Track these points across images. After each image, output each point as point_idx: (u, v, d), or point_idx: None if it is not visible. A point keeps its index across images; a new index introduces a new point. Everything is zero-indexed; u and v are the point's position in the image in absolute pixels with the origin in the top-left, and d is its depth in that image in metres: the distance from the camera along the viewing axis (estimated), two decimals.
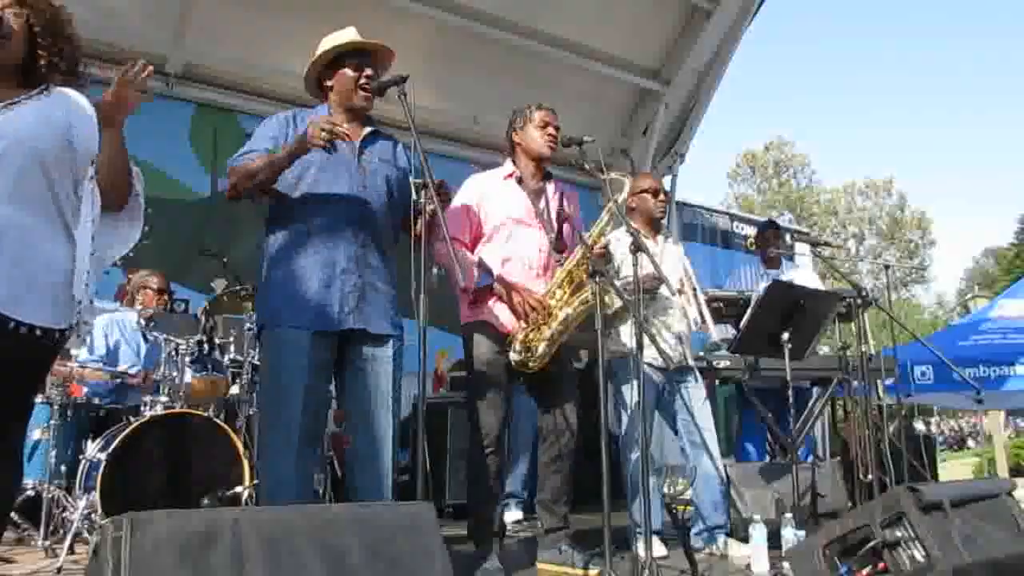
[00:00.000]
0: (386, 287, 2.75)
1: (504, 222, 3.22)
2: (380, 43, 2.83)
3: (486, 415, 3.07)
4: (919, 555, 2.28)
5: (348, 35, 2.81)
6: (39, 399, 3.71)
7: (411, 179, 2.52)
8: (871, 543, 2.39)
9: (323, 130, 2.43)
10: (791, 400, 3.55)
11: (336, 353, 2.67)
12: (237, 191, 2.68)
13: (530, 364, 3.07)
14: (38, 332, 2.00)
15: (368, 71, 2.77)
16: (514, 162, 3.37)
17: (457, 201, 3.19)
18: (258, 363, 4.28)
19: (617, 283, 3.19)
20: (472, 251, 3.22)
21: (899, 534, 2.33)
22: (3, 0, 2.04)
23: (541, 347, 3.05)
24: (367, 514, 1.68)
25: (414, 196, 2.48)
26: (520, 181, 3.30)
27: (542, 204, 3.29)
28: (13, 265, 1.96)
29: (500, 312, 3.13)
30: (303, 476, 2.61)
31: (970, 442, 25.24)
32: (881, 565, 2.38)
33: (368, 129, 2.85)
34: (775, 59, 57.42)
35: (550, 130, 3.29)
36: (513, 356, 3.07)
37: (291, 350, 2.58)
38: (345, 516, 1.63)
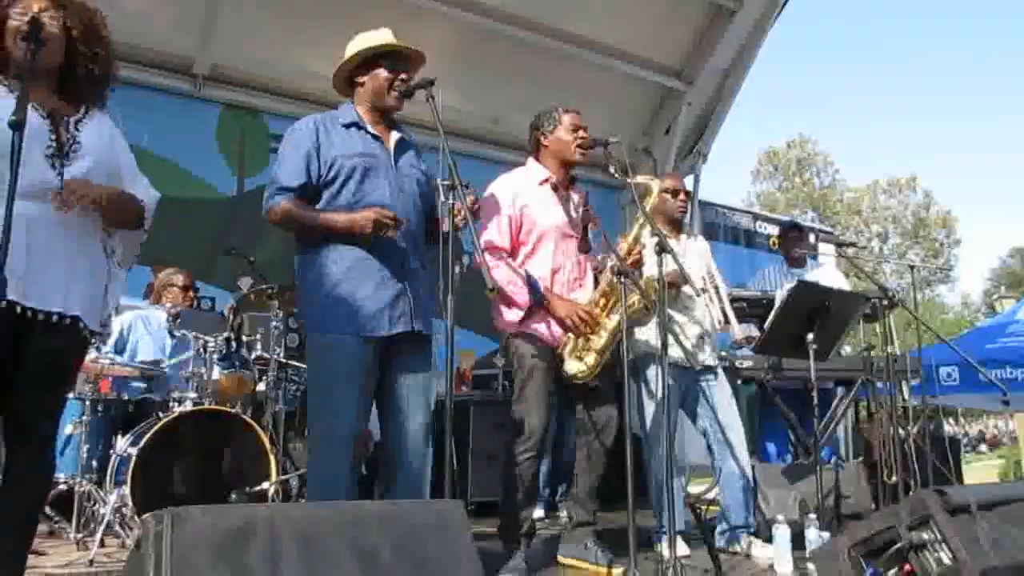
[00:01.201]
0: (425, 289, 2.79)
1: (549, 232, 3.20)
2: (416, 47, 2.85)
3: (530, 417, 3.07)
4: (946, 558, 2.27)
5: (384, 36, 2.82)
6: (71, 395, 3.79)
7: (439, 180, 2.53)
8: (897, 545, 2.37)
9: (375, 223, 2.52)
10: (815, 401, 3.54)
11: (381, 355, 2.69)
12: (282, 226, 2.72)
13: (581, 375, 3.08)
14: (82, 329, 2.11)
15: (403, 74, 2.79)
16: (542, 165, 3.34)
17: (493, 207, 3.16)
18: (283, 360, 4.37)
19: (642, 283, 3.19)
20: (513, 257, 3.19)
21: (926, 536, 2.32)
22: (40, 3, 2.09)
23: (592, 357, 3.07)
24: (398, 512, 1.70)
25: (441, 198, 2.51)
26: (555, 188, 3.28)
27: (571, 210, 3.30)
28: (74, 269, 2.08)
29: (549, 324, 3.14)
30: (352, 476, 2.64)
31: (982, 446, 24.95)
32: (907, 567, 2.37)
33: (397, 134, 2.87)
34: (798, 57, 56.97)
35: (581, 133, 3.26)
36: (567, 368, 3.09)
37: (341, 355, 2.60)
38: (377, 514, 1.66)
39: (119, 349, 4.35)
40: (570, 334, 3.11)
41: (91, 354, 4.01)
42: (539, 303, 3.12)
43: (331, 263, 2.65)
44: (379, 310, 2.64)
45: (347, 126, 2.78)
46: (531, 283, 3.13)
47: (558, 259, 3.21)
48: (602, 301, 3.11)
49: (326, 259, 2.66)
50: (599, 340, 3.07)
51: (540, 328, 3.14)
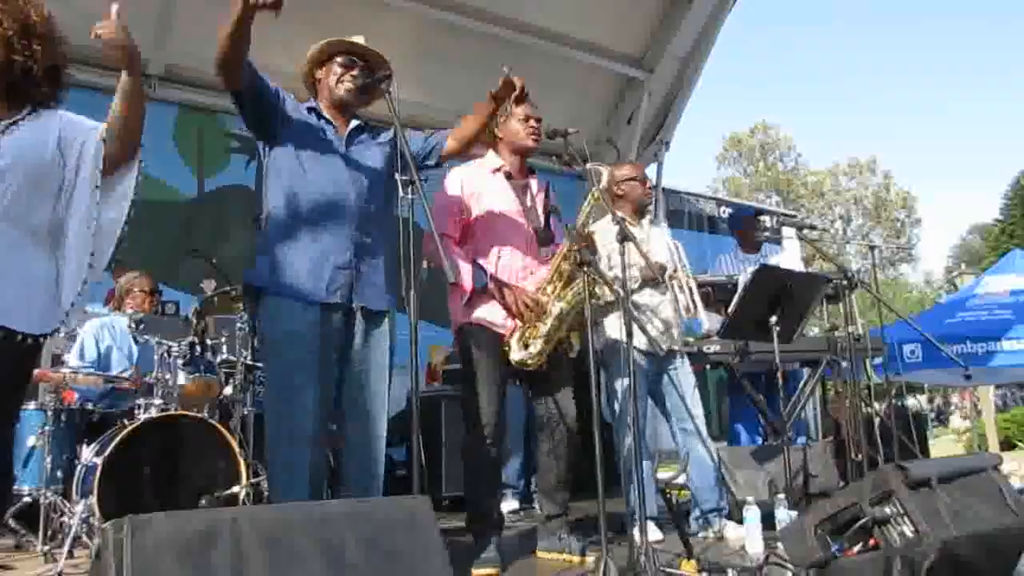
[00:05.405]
0: (382, 264, 2.79)
1: (497, 220, 3.22)
2: (375, 51, 2.86)
3: (484, 407, 3.08)
4: (908, 531, 2.32)
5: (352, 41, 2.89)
6: (32, 405, 3.72)
7: (397, 177, 2.53)
8: (861, 521, 2.42)
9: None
10: (780, 383, 3.58)
11: (338, 328, 2.69)
12: (221, 64, 2.76)
13: (529, 362, 3.09)
14: (21, 339, 2.05)
15: (355, 71, 2.82)
16: (498, 155, 3.36)
17: (442, 197, 3.21)
18: (250, 363, 4.31)
19: (607, 273, 3.21)
20: (460, 245, 3.21)
21: (888, 511, 2.37)
22: None
23: (538, 344, 3.08)
24: (365, 509, 1.70)
25: (400, 192, 2.50)
26: (509, 176, 3.30)
27: (527, 200, 3.31)
28: (2, 277, 2.01)
29: (496, 312, 3.14)
30: (317, 466, 2.61)
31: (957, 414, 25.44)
32: (872, 541, 2.42)
33: (355, 122, 2.90)
34: (758, 41, 57.47)
35: (532, 123, 3.30)
36: (513, 356, 3.08)
37: (294, 321, 2.60)
38: (343, 512, 1.65)
39: (103, 364, 4.28)
40: (517, 321, 3.12)
41: (65, 367, 3.96)
42: (483, 290, 3.13)
43: (282, 235, 2.69)
44: (317, 276, 2.64)
45: (308, 109, 2.87)
46: (476, 270, 3.14)
47: (506, 246, 3.22)
48: (549, 288, 3.12)
49: (277, 231, 2.70)
50: (544, 326, 3.08)
51: (486, 316, 3.15)
